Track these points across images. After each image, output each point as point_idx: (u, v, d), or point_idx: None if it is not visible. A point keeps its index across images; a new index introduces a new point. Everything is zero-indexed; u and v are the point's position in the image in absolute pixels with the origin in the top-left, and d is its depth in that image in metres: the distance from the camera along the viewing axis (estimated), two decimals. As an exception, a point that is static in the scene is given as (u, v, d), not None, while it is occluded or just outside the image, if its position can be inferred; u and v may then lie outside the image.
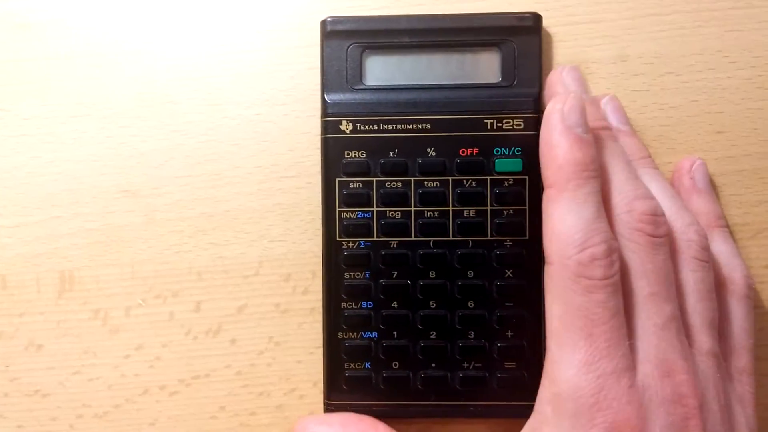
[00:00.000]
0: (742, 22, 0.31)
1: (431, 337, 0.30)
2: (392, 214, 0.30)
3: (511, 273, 0.29)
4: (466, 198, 0.30)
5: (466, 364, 0.30)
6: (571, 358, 0.24)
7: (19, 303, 0.32)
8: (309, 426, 0.29)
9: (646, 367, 0.24)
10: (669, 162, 0.31)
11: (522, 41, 0.30)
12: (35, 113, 0.32)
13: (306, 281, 0.32)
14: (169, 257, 0.32)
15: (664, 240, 0.26)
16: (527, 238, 0.29)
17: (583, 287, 0.24)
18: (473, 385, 0.29)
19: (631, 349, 0.24)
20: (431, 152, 0.30)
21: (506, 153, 0.30)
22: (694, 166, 0.30)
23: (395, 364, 0.30)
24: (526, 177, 0.29)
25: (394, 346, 0.30)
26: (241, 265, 0.32)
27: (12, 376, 0.32)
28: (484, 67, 0.30)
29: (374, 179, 0.30)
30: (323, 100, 0.30)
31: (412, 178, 0.30)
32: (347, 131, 0.30)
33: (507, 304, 0.29)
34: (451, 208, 0.30)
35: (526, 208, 0.29)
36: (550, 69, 0.31)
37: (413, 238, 0.30)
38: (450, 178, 0.30)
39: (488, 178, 0.30)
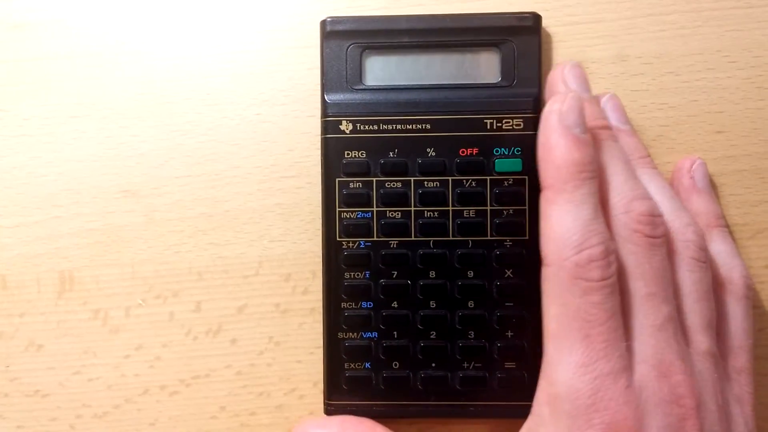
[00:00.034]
0: (742, 21, 0.31)
1: (431, 337, 0.30)
2: (392, 214, 0.30)
3: (511, 273, 0.29)
4: (466, 198, 0.30)
5: (466, 364, 0.30)
6: (568, 360, 0.24)
7: (19, 303, 0.32)
8: (307, 429, 0.29)
9: (643, 368, 0.24)
10: (669, 162, 0.31)
11: (522, 41, 0.30)
12: (35, 113, 0.32)
13: (306, 281, 0.32)
14: (169, 257, 0.32)
15: (662, 241, 0.26)
16: (527, 238, 0.29)
17: (580, 288, 0.24)
18: (473, 386, 0.29)
19: (629, 350, 0.24)
20: (431, 152, 0.30)
21: (506, 153, 0.30)
22: (693, 166, 0.30)
23: (395, 364, 0.30)
24: (526, 177, 0.29)
25: (394, 346, 0.30)
26: (241, 265, 0.32)
27: (12, 376, 0.32)
28: (484, 67, 0.30)
29: (374, 179, 0.30)
30: (323, 100, 0.30)
31: (412, 178, 0.30)
32: (347, 131, 0.30)
33: (507, 304, 0.29)
34: (451, 208, 0.30)
35: (526, 208, 0.29)
36: (549, 69, 0.30)
37: (413, 238, 0.30)
38: (450, 178, 0.30)
39: (488, 178, 0.30)
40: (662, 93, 0.31)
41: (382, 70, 0.30)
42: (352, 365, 0.30)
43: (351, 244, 0.30)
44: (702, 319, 0.26)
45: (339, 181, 0.30)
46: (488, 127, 0.30)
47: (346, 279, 0.30)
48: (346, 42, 0.30)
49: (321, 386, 0.31)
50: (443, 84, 0.30)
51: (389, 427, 0.29)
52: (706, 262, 0.27)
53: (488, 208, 0.30)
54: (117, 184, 0.32)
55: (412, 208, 0.30)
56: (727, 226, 0.31)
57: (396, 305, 0.30)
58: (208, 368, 0.32)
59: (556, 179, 0.25)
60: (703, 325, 0.26)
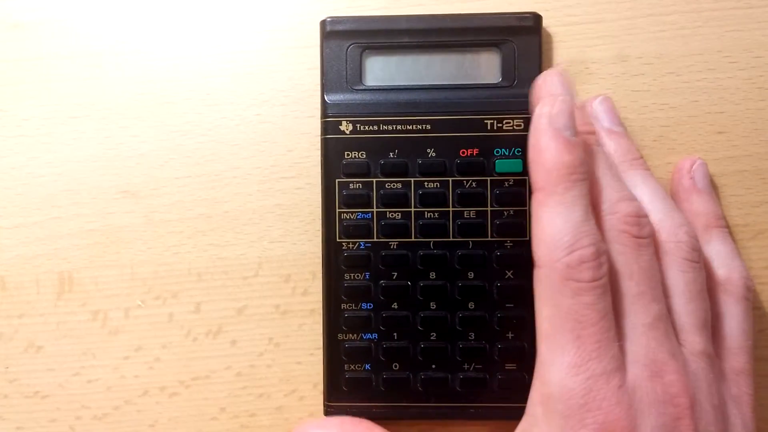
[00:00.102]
0: (743, 22, 0.31)
1: (431, 338, 0.30)
2: (392, 215, 0.30)
3: (511, 274, 0.29)
4: (466, 199, 0.29)
5: (466, 366, 0.30)
6: (561, 360, 0.24)
7: (18, 304, 0.32)
8: (307, 429, 0.29)
9: (635, 368, 0.24)
10: (669, 162, 0.31)
11: (522, 41, 0.30)
12: (34, 114, 0.32)
13: (306, 282, 0.32)
14: (169, 258, 0.32)
15: (649, 241, 0.26)
16: (527, 238, 0.29)
17: (571, 289, 0.24)
18: (473, 387, 0.29)
19: (621, 351, 0.24)
20: (431, 153, 0.30)
21: (506, 153, 0.30)
22: (694, 166, 0.30)
23: (395, 366, 0.30)
24: (527, 177, 0.29)
25: (394, 347, 0.30)
26: (241, 266, 0.32)
27: (11, 377, 0.32)
28: (484, 68, 0.30)
29: (374, 180, 0.30)
30: (323, 101, 0.30)
31: (412, 179, 0.30)
32: (347, 132, 0.30)
33: (507, 305, 0.29)
34: (451, 208, 0.30)
35: (527, 208, 0.29)
36: (550, 69, 0.30)
37: (413, 239, 0.30)
38: (450, 178, 0.30)
39: (488, 178, 0.30)
40: (663, 93, 0.31)
41: (382, 71, 0.30)
42: (352, 367, 0.30)
43: (351, 245, 0.30)
44: (696, 320, 0.26)
45: (339, 181, 0.30)
46: (488, 127, 0.30)
47: (346, 280, 0.30)
48: (346, 42, 0.30)
49: (321, 388, 0.31)
50: (443, 84, 0.30)
51: (389, 429, 0.29)
52: (699, 262, 0.27)
53: (488, 208, 0.30)
54: (116, 185, 0.32)
55: (413, 209, 0.30)
56: (728, 226, 0.30)
57: (396, 306, 0.30)
58: (207, 369, 0.32)
59: (547, 181, 0.25)
60: (698, 325, 0.26)
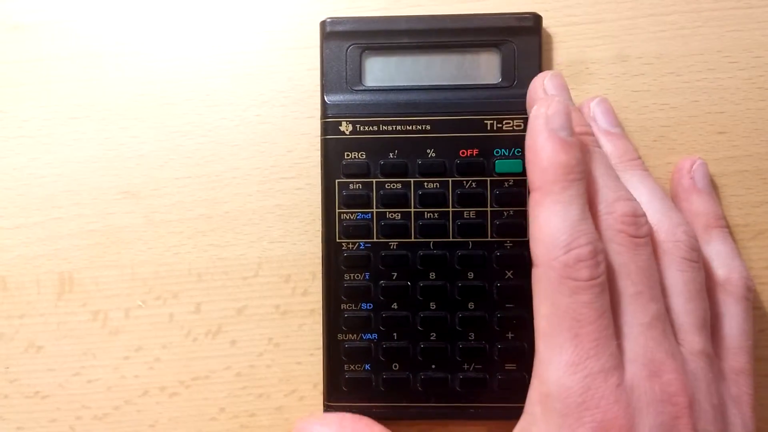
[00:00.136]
0: (743, 22, 0.31)
1: (431, 338, 0.30)
2: (392, 216, 0.30)
3: (511, 274, 0.29)
4: (466, 199, 0.29)
5: (466, 366, 0.29)
6: (559, 359, 0.24)
7: (19, 304, 0.32)
8: (307, 426, 0.29)
9: (633, 367, 0.24)
10: (670, 162, 0.31)
11: (522, 42, 0.30)
12: (34, 115, 0.32)
13: (306, 282, 0.32)
14: (169, 258, 0.32)
15: (646, 240, 0.26)
16: (527, 239, 0.29)
17: (569, 288, 0.24)
18: (473, 387, 0.29)
19: (619, 349, 0.24)
20: (431, 153, 0.30)
21: (506, 154, 0.30)
22: (694, 166, 0.30)
23: (395, 366, 0.30)
24: (526, 178, 0.29)
25: (394, 347, 0.30)
26: (241, 266, 0.32)
27: (12, 377, 0.32)
28: (484, 68, 0.30)
29: (374, 180, 0.30)
30: (323, 101, 0.30)
31: (412, 179, 0.30)
32: (347, 132, 0.30)
33: (507, 305, 0.29)
34: (451, 209, 0.30)
35: (526, 209, 0.29)
36: (550, 69, 0.30)
37: (413, 240, 0.30)
38: (450, 179, 0.30)
39: (488, 179, 0.30)
40: (663, 93, 0.31)
41: (382, 71, 0.30)
42: (352, 367, 0.30)
43: (351, 246, 0.30)
44: (695, 319, 0.26)
45: (339, 182, 0.30)
46: (488, 127, 0.30)
47: (346, 280, 0.30)
48: (346, 43, 0.30)
49: (321, 388, 0.31)
50: (443, 85, 0.30)
51: (388, 428, 0.29)
52: (698, 261, 0.27)
53: (488, 209, 0.30)
54: (116, 186, 0.32)
55: (412, 210, 0.30)
56: (728, 226, 0.30)
57: (396, 306, 0.30)
58: (207, 370, 0.32)
59: (544, 181, 0.25)
60: (697, 324, 0.26)
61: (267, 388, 0.32)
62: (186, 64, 0.32)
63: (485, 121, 0.30)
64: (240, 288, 0.32)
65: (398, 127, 0.30)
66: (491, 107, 0.30)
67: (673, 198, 0.30)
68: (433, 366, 0.30)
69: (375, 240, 0.30)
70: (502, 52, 0.30)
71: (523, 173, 0.29)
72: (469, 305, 0.29)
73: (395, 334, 0.30)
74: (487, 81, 0.30)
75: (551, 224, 0.25)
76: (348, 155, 0.30)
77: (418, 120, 0.30)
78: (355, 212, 0.30)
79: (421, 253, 0.30)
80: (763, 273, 0.31)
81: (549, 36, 0.31)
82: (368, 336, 0.30)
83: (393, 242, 0.30)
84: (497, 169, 0.29)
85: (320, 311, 0.30)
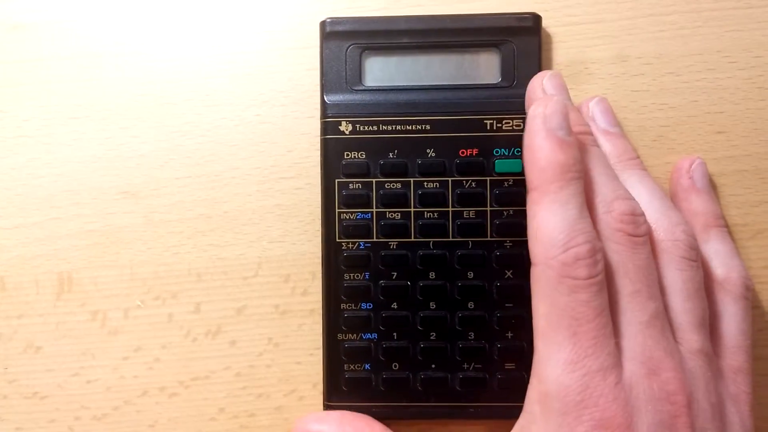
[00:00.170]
0: (742, 22, 0.31)
1: (431, 338, 0.30)
2: (392, 215, 0.30)
3: (511, 274, 0.29)
4: (465, 199, 0.30)
5: (466, 366, 0.29)
6: (557, 357, 0.24)
7: (17, 305, 0.32)
8: (307, 424, 0.29)
9: (632, 365, 0.24)
10: (669, 162, 0.31)
11: (521, 42, 0.30)
12: (34, 114, 0.32)
13: (305, 282, 0.32)
14: (168, 258, 0.32)
15: (645, 239, 0.26)
16: (527, 238, 0.29)
17: (567, 287, 0.24)
18: (473, 387, 0.29)
19: (618, 348, 0.24)
20: (431, 153, 0.30)
21: (506, 153, 0.30)
22: (693, 166, 0.30)
23: (395, 366, 0.30)
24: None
25: (394, 347, 0.30)
26: (241, 266, 0.32)
27: (10, 378, 0.32)
28: (484, 68, 0.30)
29: (374, 180, 0.30)
30: (322, 101, 0.30)
31: (412, 179, 0.30)
32: (346, 132, 0.30)
33: (507, 304, 0.29)
34: (450, 208, 0.30)
35: (526, 208, 0.29)
36: (549, 69, 0.30)
37: (413, 239, 0.30)
38: (450, 178, 0.30)
39: (488, 178, 0.30)
40: (662, 93, 0.31)
41: (382, 71, 0.30)
42: (352, 366, 0.30)
43: (350, 245, 0.30)
44: (694, 318, 0.26)
45: (338, 182, 0.30)
46: (488, 127, 0.30)
47: (346, 280, 0.30)
48: (346, 43, 0.30)
49: (320, 388, 0.31)
50: (443, 85, 0.30)
51: (388, 427, 0.29)
52: (696, 260, 0.27)
53: (488, 208, 0.30)
54: (116, 186, 0.32)
55: (412, 209, 0.30)
56: (727, 226, 0.30)
57: (396, 306, 0.30)
58: (207, 370, 0.32)
59: (541, 180, 0.25)
60: (695, 323, 0.26)
61: (267, 388, 0.32)
62: (186, 64, 0.32)
63: (485, 121, 0.30)
64: (239, 288, 0.32)
65: (398, 127, 0.30)
66: (491, 107, 0.30)
67: (672, 197, 0.30)
68: (433, 365, 0.30)
69: (375, 240, 0.30)
70: (502, 52, 0.30)
71: (523, 173, 0.29)
72: (469, 305, 0.29)
73: (395, 333, 0.30)
74: (486, 81, 0.30)
75: (549, 223, 0.25)
76: (348, 155, 0.30)
77: (417, 120, 0.30)
78: (354, 212, 0.30)
79: (420, 252, 0.30)
80: (761, 272, 0.31)
81: (549, 36, 0.31)
82: (368, 336, 0.30)
83: (393, 242, 0.30)
84: (497, 169, 0.29)
85: (320, 311, 0.30)
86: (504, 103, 0.30)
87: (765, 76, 0.31)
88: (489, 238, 0.29)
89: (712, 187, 0.31)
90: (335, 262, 0.30)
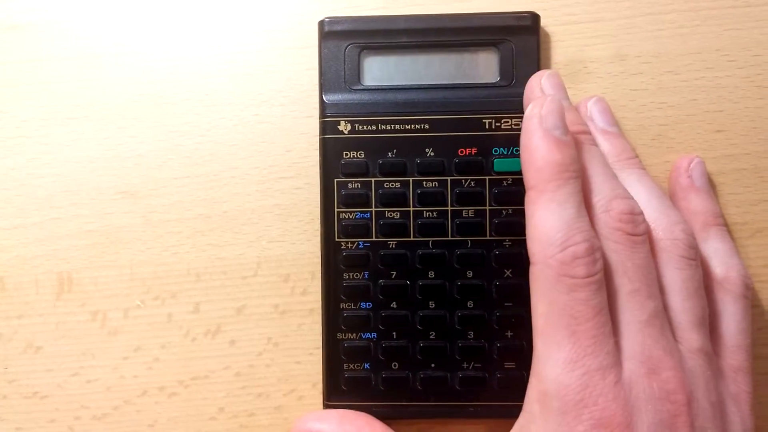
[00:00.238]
0: (741, 20, 0.31)
1: (431, 337, 0.30)
2: (391, 215, 0.30)
3: (510, 273, 0.29)
4: (464, 198, 0.30)
5: (465, 365, 0.30)
6: (557, 356, 0.24)
7: (17, 305, 0.32)
8: (307, 423, 0.29)
9: (631, 364, 0.24)
10: (668, 161, 0.31)
11: (520, 41, 0.30)
12: (33, 115, 0.32)
13: (305, 282, 0.32)
14: (168, 258, 0.32)
15: (644, 238, 0.26)
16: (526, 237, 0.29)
17: (566, 286, 0.24)
18: (473, 386, 0.29)
19: (617, 347, 0.24)
20: (430, 152, 0.30)
21: (505, 153, 0.30)
22: (691, 165, 0.30)
23: (394, 365, 0.30)
24: (525, 177, 0.29)
25: (394, 346, 0.30)
26: (240, 265, 0.32)
27: (10, 378, 0.32)
28: (483, 67, 0.30)
29: (373, 179, 0.30)
30: (321, 101, 0.30)
31: (411, 179, 0.30)
32: (345, 131, 0.30)
33: (506, 304, 0.29)
34: (450, 208, 0.30)
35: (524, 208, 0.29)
36: (548, 68, 0.30)
37: (412, 239, 0.30)
38: (449, 178, 0.30)
39: (487, 177, 0.30)
40: (661, 92, 0.31)
41: (381, 70, 0.30)
42: (352, 366, 0.30)
43: (350, 245, 0.30)
44: (693, 317, 0.26)
45: (337, 181, 0.30)
46: (487, 126, 0.30)
47: (345, 279, 0.30)
48: (345, 42, 0.30)
49: (320, 387, 0.31)
50: (442, 84, 0.30)
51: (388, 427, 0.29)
52: (696, 259, 0.27)
53: (487, 207, 0.30)
54: (115, 186, 0.32)
55: (411, 209, 0.30)
56: (726, 225, 0.30)
57: (395, 306, 0.30)
58: (206, 369, 0.32)
59: (539, 180, 0.25)
60: (695, 322, 0.26)
61: (266, 388, 0.32)
62: (184, 63, 0.32)
63: (484, 120, 0.30)
64: (239, 287, 0.32)
65: (397, 127, 0.30)
66: (490, 106, 0.30)
67: (671, 196, 0.30)
68: (433, 365, 0.30)
69: (374, 239, 0.30)
70: (501, 51, 0.30)
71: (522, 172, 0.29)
72: (468, 304, 0.29)
73: (394, 333, 0.30)
74: (485, 80, 0.30)
75: (547, 222, 0.25)
76: (347, 154, 0.30)
77: (416, 119, 0.30)
78: (354, 211, 0.30)
79: (420, 252, 0.30)
80: (761, 271, 0.31)
81: (547, 35, 0.31)
82: (367, 335, 0.30)
83: (392, 241, 0.30)
84: (496, 168, 0.29)
85: (319, 310, 0.30)
86: (503, 102, 0.30)
87: (764, 75, 0.31)
88: (488, 237, 0.30)
89: (711, 185, 0.31)
90: (334, 262, 0.30)
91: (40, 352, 0.32)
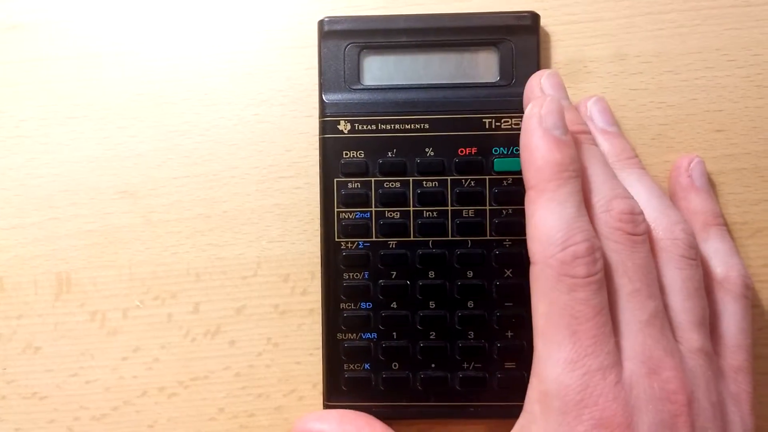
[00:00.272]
0: (741, 20, 0.31)
1: (431, 337, 0.30)
2: (391, 215, 0.30)
3: (510, 273, 0.29)
4: (465, 198, 0.29)
5: (465, 365, 0.29)
6: (557, 356, 0.24)
7: (16, 305, 0.32)
8: (307, 423, 0.29)
9: (632, 364, 0.24)
10: (668, 161, 0.31)
11: (520, 40, 0.30)
12: (32, 114, 0.32)
13: (305, 282, 0.32)
14: (167, 258, 0.32)
15: (644, 238, 0.26)
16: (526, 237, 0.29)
17: (566, 286, 0.24)
18: (473, 386, 0.29)
19: (617, 347, 0.24)
20: (430, 152, 0.30)
21: (505, 152, 0.30)
22: (691, 164, 0.30)
23: (395, 365, 0.30)
24: (525, 176, 0.29)
25: (394, 346, 0.30)
26: (240, 265, 0.32)
27: (9, 378, 0.32)
28: (483, 67, 0.30)
29: (372, 179, 0.30)
30: (321, 100, 0.30)
31: (411, 178, 0.30)
32: (345, 131, 0.30)
33: (506, 303, 0.29)
34: (450, 207, 0.30)
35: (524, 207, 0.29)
36: (548, 68, 0.30)
37: (412, 239, 0.30)
38: (449, 177, 0.30)
39: (487, 177, 0.30)
40: (661, 92, 0.31)
41: (380, 70, 0.30)
42: (352, 366, 0.30)
43: (350, 245, 0.30)
44: (693, 317, 0.26)
45: (337, 181, 0.30)
46: (487, 126, 0.30)
47: (345, 280, 0.30)
48: (344, 42, 0.30)
49: (320, 387, 0.31)
50: (442, 83, 0.30)
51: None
52: (696, 259, 0.27)
53: (487, 207, 0.30)
54: (114, 185, 0.32)
55: (411, 208, 0.30)
56: (726, 224, 0.30)
57: (395, 306, 0.30)
58: (206, 370, 0.32)
59: (539, 180, 0.25)
60: (695, 322, 0.26)
61: (266, 388, 0.32)
62: (184, 63, 0.32)
63: (484, 120, 0.30)
64: (239, 288, 0.32)
65: (397, 126, 0.30)
66: (490, 106, 0.30)
67: (671, 196, 0.30)
68: (433, 365, 0.30)
69: (374, 239, 0.30)
70: (501, 51, 0.30)
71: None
72: (469, 304, 0.29)
73: (395, 333, 0.30)
74: (485, 80, 0.30)
75: (547, 222, 0.25)
76: (346, 154, 0.30)
77: (416, 119, 0.30)
78: (353, 211, 0.30)
79: (420, 252, 0.29)
80: (761, 271, 0.31)
81: (547, 35, 0.31)
82: (367, 335, 0.30)
83: (392, 241, 0.30)
84: (496, 168, 0.29)
85: (319, 311, 0.30)
86: (503, 101, 0.30)
87: (764, 75, 0.31)
88: (488, 237, 0.29)
89: (711, 185, 0.31)
90: (334, 262, 0.30)
91: (39, 353, 0.32)
